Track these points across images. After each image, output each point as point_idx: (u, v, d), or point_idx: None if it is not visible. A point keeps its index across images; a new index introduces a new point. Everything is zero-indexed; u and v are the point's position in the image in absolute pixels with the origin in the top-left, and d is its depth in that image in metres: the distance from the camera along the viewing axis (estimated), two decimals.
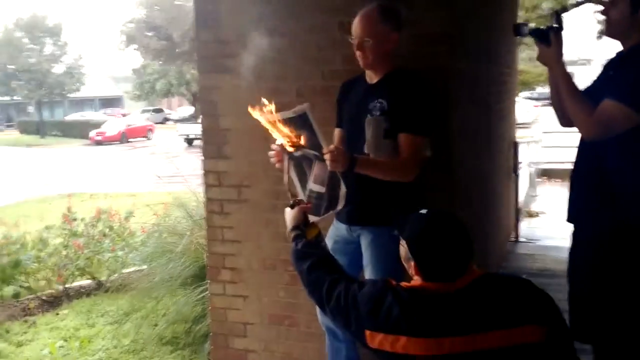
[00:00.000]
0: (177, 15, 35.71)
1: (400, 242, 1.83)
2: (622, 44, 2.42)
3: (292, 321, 3.43)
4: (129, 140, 33.73)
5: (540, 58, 2.53)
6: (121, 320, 4.93)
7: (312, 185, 2.56)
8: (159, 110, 49.24)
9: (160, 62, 40.80)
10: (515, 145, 6.49)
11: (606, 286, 2.41)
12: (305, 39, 3.20)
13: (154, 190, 12.39)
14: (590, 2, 10.85)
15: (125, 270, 6.16)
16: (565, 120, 2.61)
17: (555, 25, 2.47)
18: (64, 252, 5.98)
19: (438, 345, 1.64)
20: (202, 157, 3.56)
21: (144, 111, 46.36)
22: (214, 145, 3.49)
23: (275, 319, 3.47)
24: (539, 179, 10.60)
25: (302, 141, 2.30)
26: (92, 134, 33.80)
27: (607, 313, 2.42)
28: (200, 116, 3.62)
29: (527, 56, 14.22)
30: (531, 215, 8.09)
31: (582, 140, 2.52)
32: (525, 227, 6.92)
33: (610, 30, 2.44)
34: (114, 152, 28.06)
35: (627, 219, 2.34)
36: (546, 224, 7.65)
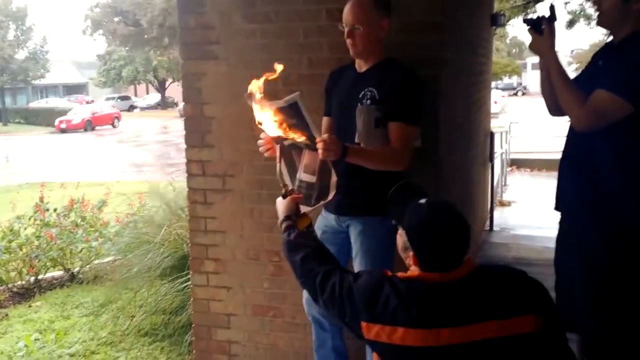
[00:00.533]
0: (144, 0, 35.08)
1: (399, 231, 1.81)
2: (613, 34, 2.44)
3: (276, 312, 3.40)
4: (95, 128, 33.12)
5: (533, 47, 2.54)
6: (97, 311, 4.83)
7: (303, 175, 2.53)
8: (126, 98, 48.55)
9: (127, 49, 40.10)
10: (491, 135, 6.55)
11: (595, 275, 2.43)
12: (291, 26, 3.15)
13: (122, 179, 12.24)
14: None
15: (98, 261, 6.06)
16: (555, 110, 2.62)
17: (548, 15, 2.48)
18: (36, 243, 5.83)
19: (435, 336, 1.63)
20: (185, 146, 3.49)
21: (109, 98, 45.60)
22: (197, 134, 3.43)
23: (260, 310, 3.44)
24: (508, 169, 10.74)
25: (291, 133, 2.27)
26: (57, 121, 33.07)
27: (595, 301, 2.45)
28: (183, 104, 3.54)
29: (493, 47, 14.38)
30: (503, 204, 8.19)
31: (571, 129, 2.53)
32: (499, 216, 7.00)
33: (602, 20, 2.46)
34: (79, 140, 27.52)
35: (617, 208, 2.36)
36: (518, 213, 7.76)
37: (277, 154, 2.38)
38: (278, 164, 2.37)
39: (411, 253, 1.74)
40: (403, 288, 1.69)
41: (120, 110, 38.26)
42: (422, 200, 1.77)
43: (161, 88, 48.15)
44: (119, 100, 45.95)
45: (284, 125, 2.26)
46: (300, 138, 2.32)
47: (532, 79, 52.09)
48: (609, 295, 2.42)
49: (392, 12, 2.61)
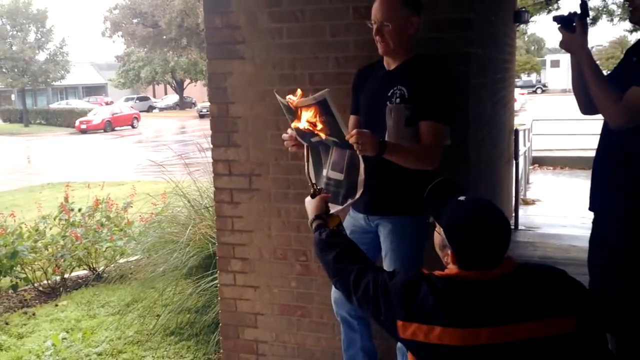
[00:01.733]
0: (163, 1, 35.33)
1: (437, 229, 1.78)
2: None
3: (304, 311, 3.39)
4: (115, 128, 33.41)
5: (564, 45, 2.49)
6: (123, 311, 4.86)
7: (330, 173, 2.52)
8: (144, 98, 48.97)
9: (146, 50, 40.42)
10: (516, 132, 6.49)
11: (631, 275, 2.39)
12: (318, 24, 3.13)
13: (143, 179, 12.32)
14: None
15: (123, 260, 6.09)
16: (588, 108, 2.57)
17: (579, 11, 2.43)
18: (62, 243, 5.87)
19: (474, 336, 1.60)
20: (211, 146, 3.49)
21: (128, 99, 45.99)
22: (223, 133, 3.43)
23: (287, 310, 3.43)
24: (530, 167, 10.64)
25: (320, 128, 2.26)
26: (77, 122, 33.42)
27: (631, 302, 2.41)
28: (200, 104, 3.54)
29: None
30: (527, 202, 8.10)
31: (605, 128, 2.49)
32: (523, 215, 6.92)
33: (635, 16, 2.41)
34: (100, 141, 27.79)
35: None
36: (543, 212, 7.67)
37: (305, 153, 2.37)
38: (306, 164, 2.37)
39: (449, 251, 1.71)
40: (441, 286, 1.66)
41: (139, 111, 38.53)
42: (462, 198, 1.74)
43: (179, 88, 48.50)
44: (137, 101, 46.32)
45: (313, 122, 2.25)
46: (329, 134, 2.31)
47: (551, 76, 51.60)
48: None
49: (421, 10, 2.59)
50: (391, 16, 2.51)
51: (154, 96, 53.59)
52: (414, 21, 2.56)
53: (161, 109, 48.26)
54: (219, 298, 3.60)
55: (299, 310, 3.40)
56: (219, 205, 3.51)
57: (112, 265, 6.16)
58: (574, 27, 2.42)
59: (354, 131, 2.29)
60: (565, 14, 2.47)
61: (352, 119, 2.80)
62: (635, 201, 2.36)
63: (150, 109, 47.17)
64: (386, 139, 2.52)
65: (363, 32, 2.67)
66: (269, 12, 3.22)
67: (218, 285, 3.62)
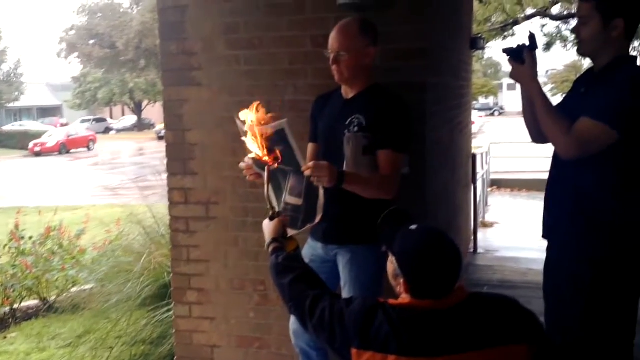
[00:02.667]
0: (120, 22, 35.06)
1: (389, 258, 1.77)
2: (594, 61, 2.44)
3: (262, 343, 3.33)
4: (70, 150, 32.71)
5: (514, 76, 2.52)
6: (75, 343, 4.68)
7: (288, 198, 2.49)
8: (101, 120, 48.15)
9: (103, 71, 39.94)
10: (473, 156, 6.57)
11: (585, 303, 2.40)
12: (276, 52, 3.12)
13: (98, 203, 12.06)
14: (540, 16, 11.21)
15: (76, 289, 5.90)
16: (539, 137, 2.60)
17: (528, 43, 2.47)
18: (11, 272, 5.66)
19: None
20: (167, 173, 3.42)
21: (84, 120, 45.14)
22: (179, 161, 3.36)
23: (245, 342, 3.36)
24: (489, 189, 10.81)
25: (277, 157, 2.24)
26: (31, 145, 32.61)
27: (585, 329, 2.42)
28: (159, 125, 3.48)
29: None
30: (486, 225, 8.21)
31: (555, 157, 2.51)
32: (482, 238, 7.00)
33: (582, 48, 2.45)
34: (54, 164, 27.14)
35: (603, 234, 2.34)
36: (501, 234, 7.78)
37: (265, 176, 2.33)
38: (266, 186, 2.33)
39: (402, 280, 1.70)
40: (395, 315, 1.65)
41: (96, 133, 37.84)
42: (413, 227, 1.74)
43: (137, 110, 47.96)
44: (94, 122, 45.47)
45: (270, 151, 2.22)
46: (286, 164, 2.29)
47: (508, 99, 52.91)
48: (599, 323, 2.38)
49: (378, 39, 2.59)
50: (347, 46, 2.51)
51: (111, 117, 52.78)
52: (370, 51, 2.56)
53: (118, 131, 47.48)
54: (174, 331, 3.50)
55: (257, 342, 3.33)
56: (174, 234, 3.43)
57: (64, 295, 5.96)
58: (523, 59, 2.45)
59: (311, 163, 2.27)
60: (515, 46, 2.50)
61: (310, 146, 2.79)
62: (586, 231, 2.38)
63: (107, 130, 46.39)
64: (344, 167, 2.50)
65: (321, 60, 2.67)
66: (225, 39, 3.19)
67: (173, 317, 3.52)
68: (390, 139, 2.51)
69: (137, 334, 4.23)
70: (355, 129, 2.53)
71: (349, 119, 2.56)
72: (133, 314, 4.32)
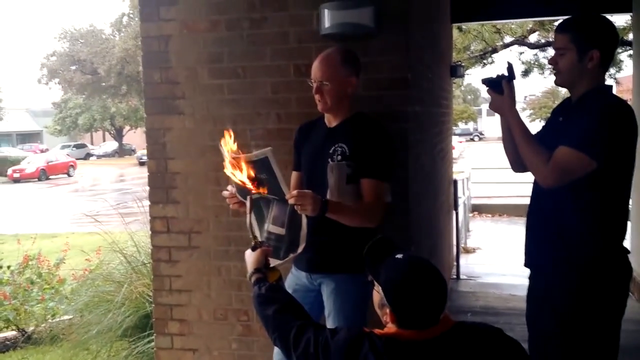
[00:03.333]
0: (102, 49, 35.05)
1: (375, 288, 1.76)
2: (570, 91, 2.48)
3: None
4: (49, 177, 32.36)
5: (492, 106, 2.55)
6: None
7: (271, 227, 2.47)
8: (82, 146, 47.81)
9: (84, 97, 39.78)
10: (455, 182, 6.61)
11: (567, 331, 2.41)
12: (259, 81, 3.13)
13: (78, 231, 11.89)
14: (518, 44, 11.42)
15: (55, 320, 5.77)
16: (519, 166, 2.62)
17: (507, 74, 2.50)
18: None
19: None
20: (149, 202, 3.39)
21: (64, 147, 44.78)
22: (161, 189, 3.34)
23: None
24: (470, 215, 10.86)
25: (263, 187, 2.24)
26: (10, 171, 32.21)
27: (568, 357, 2.42)
28: (146, 157, 3.46)
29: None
30: (468, 251, 8.22)
31: (536, 186, 2.54)
32: (464, 264, 7.01)
33: (559, 79, 2.49)
34: (33, 190, 26.80)
35: (584, 263, 2.36)
36: (483, 260, 7.80)
37: (248, 205, 2.32)
38: (248, 215, 2.31)
39: (388, 310, 1.69)
40: (380, 345, 1.64)
41: (76, 159, 37.52)
42: (399, 256, 1.73)
43: (118, 136, 47.74)
44: (74, 148, 45.14)
45: (253, 179, 2.21)
46: (269, 193, 2.28)
47: (488, 124, 53.55)
48: (582, 349, 2.39)
49: (361, 68, 2.62)
50: (330, 75, 2.53)
51: (92, 143, 52.48)
52: (353, 81, 2.59)
53: (99, 157, 47.20)
54: None
55: None
56: (156, 264, 3.39)
57: (43, 326, 5.83)
58: (502, 89, 2.48)
59: (295, 192, 2.27)
60: (494, 76, 2.54)
61: (294, 175, 2.79)
62: (568, 262, 2.39)
63: (88, 156, 46.10)
64: (328, 196, 2.50)
65: (304, 89, 2.68)
66: (209, 68, 3.20)
67: (155, 348, 3.46)
68: (373, 168, 2.52)
69: None
70: (339, 157, 2.54)
71: (332, 148, 2.56)
72: (113, 345, 4.25)
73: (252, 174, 2.22)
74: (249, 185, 2.22)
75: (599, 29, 2.37)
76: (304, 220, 2.39)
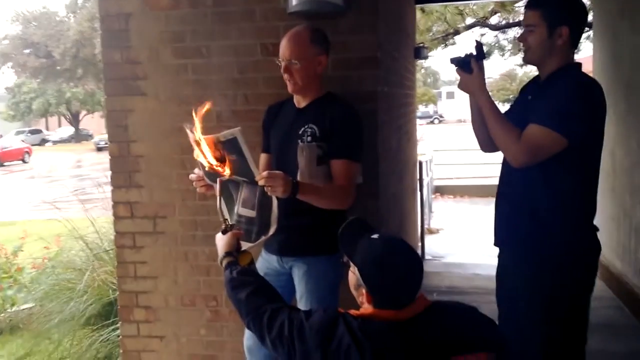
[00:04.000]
0: (56, 31, 34.10)
1: (351, 269, 1.74)
2: (539, 69, 2.47)
3: None
4: (4, 163, 31.46)
5: (462, 85, 2.53)
6: None
7: (241, 210, 2.42)
8: (37, 131, 46.54)
9: (39, 81, 38.70)
10: (420, 164, 6.64)
11: (537, 307, 2.43)
12: (225, 61, 3.04)
13: (35, 218, 11.58)
14: (480, 25, 11.50)
15: (14, 309, 5.61)
16: (488, 146, 2.62)
17: (475, 53, 2.48)
18: None
19: None
20: (111, 187, 3.28)
21: (18, 132, 43.55)
22: (124, 173, 3.23)
23: None
24: (433, 196, 10.97)
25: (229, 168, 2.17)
26: None
27: (540, 334, 2.44)
28: (104, 142, 3.35)
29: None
30: (432, 232, 8.30)
31: (504, 165, 2.54)
32: (428, 245, 7.07)
33: (528, 56, 2.48)
34: None
35: (552, 240, 2.37)
36: (447, 240, 7.88)
37: (217, 188, 2.26)
38: (218, 199, 2.25)
39: (364, 290, 1.67)
40: (356, 326, 1.62)
41: (32, 145, 36.54)
42: (375, 236, 1.72)
43: (75, 121, 46.65)
44: (29, 134, 43.88)
45: (222, 160, 2.15)
46: (238, 174, 2.22)
47: (447, 107, 54.13)
48: (553, 327, 2.41)
49: (329, 48, 2.57)
50: (299, 54, 2.47)
51: (47, 129, 51.10)
52: (322, 60, 2.54)
53: (55, 142, 45.96)
54: (121, 351, 3.36)
55: None
56: (120, 250, 3.29)
57: (2, 316, 5.65)
58: (471, 69, 2.47)
59: (264, 173, 2.21)
60: (462, 55, 2.51)
61: (263, 157, 2.73)
62: (538, 240, 2.40)
63: (44, 142, 44.86)
64: (298, 177, 2.46)
65: (272, 69, 2.62)
66: (172, 48, 3.10)
67: (120, 336, 3.37)
68: (344, 149, 2.48)
69: (81, 354, 4.05)
70: (309, 138, 2.50)
71: (302, 129, 2.52)
72: (76, 334, 4.15)
73: (221, 155, 2.16)
74: (218, 167, 2.16)
75: (569, 5, 2.37)
76: (275, 202, 2.34)
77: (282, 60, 2.50)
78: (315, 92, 2.57)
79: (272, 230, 2.38)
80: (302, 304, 2.56)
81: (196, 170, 2.48)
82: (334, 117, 2.49)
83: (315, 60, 2.51)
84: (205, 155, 2.15)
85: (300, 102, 2.61)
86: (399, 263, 1.66)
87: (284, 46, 2.50)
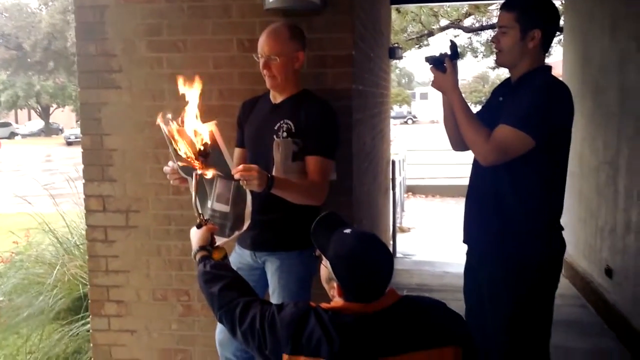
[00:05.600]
0: (28, 23, 33.47)
1: (323, 262, 1.76)
2: (511, 71, 2.53)
3: (185, 355, 3.23)
4: None
5: (435, 84, 2.58)
6: None
7: (215, 205, 2.42)
8: (6, 124, 45.67)
9: (8, 73, 37.92)
10: (393, 163, 6.69)
11: (503, 305, 2.48)
12: (200, 55, 3.04)
13: (3, 212, 11.37)
14: (454, 27, 11.62)
15: None
16: (459, 145, 2.67)
17: (450, 52, 2.53)
18: None
19: None
20: (83, 180, 3.26)
21: None
22: (97, 167, 3.21)
23: (167, 354, 3.25)
24: (405, 195, 11.07)
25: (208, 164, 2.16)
26: None
27: (505, 331, 2.49)
28: (74, 136, 3.31)
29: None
30: (403, 230, 8.37)
31: (475, 165, 2.59)
32: (400, 243, 7.14)
33: (500, 58, 2.53)
34: None
35: (522, 240, 2.43)
36: (417, 239, 7.96)
37: (193, 182, 2.26)
38: (193, 193, 2.25)
39: (335, 284, 1.69)
40: (327, 319, 1.64)
41: (0, 138, 35.84)
42: (347, 230, 1.74)
43: (45, 114, 45.85)
44: None
45: (196, 155, 2.14)
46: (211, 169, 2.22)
47: (421, 108, 54.52)
48: (518, 323, 2.46)
49: (306, 45, 2.59)
50: (279, 50, 2.49)
51: (16, 122, 50.18)
52: (300, 56, 2.56)
53: (24, 136, 45.15)
54: (92, 345, 3.33)
55: (180, 354, 3.23)
56: (91, 244, 3.27)
57: None
58: (444, 68, 2.51)
59: (241, 166, 2.21)
60: (437, 54, 2.56)
61: (237, 151, 2.74)
62: (503, 237, 2.45)
63: (12, 135, 44.02)
64: (273, 173, 2.47)
65: (247, 64, 2.63)
66: (147, 41, 3.09)
67: (90, 330, 3.35)
68: (319, 145, 2.50)
69: (50, 349, 4.01)
70: (284, 134, 2.51)
71: (278, 124, 2.53)
72: (45, 328, 4.10)
73: (200, 149, 2.15)
74: (195, 161, 2.15)
75: (543, 9, 2.42)
76: (249, 197, 2.35)
77: (261, 56, 2.52)
78: (292, 88, 2.59)
79: (245, 226, 2.38)
80: (274, 299, 2.58)
81: (170, 163, 2.47)
82: (310, 114, 2.51)
83: (294, 56, 2.53)
84: (180, 148, 2.13)
85: (276, 97, 2.62)
86: (370, 257, 1.68)
87: (263, 42, 2.52)
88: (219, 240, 2.23)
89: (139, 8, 3.08)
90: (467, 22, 11.64)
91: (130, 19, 3.09)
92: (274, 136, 2.52)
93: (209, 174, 2.12)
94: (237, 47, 2.99)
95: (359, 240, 1.72)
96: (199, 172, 2.13)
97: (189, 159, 2.10)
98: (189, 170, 2.28)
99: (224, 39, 3.01)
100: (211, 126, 2.19)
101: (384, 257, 1.72)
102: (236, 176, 2.20)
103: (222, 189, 2.40)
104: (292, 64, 2.53)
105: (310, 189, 2.49)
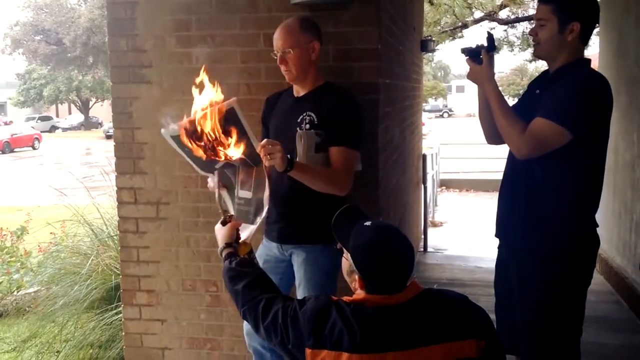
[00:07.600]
0: (67, 18, 34.19)
1: (344, 255, 1.78)
2: (549, 63, 2.49)
3: (213, 345, 3.28)
4: (14, 150, 31.65)
5: (471, 76, 2.56)
6: (19, 347, 4.53)
7: (240, 192, 2.44)
8: (47, 118, 46.80)
9: (49, 68, 38.83)
10: (424, 157, 6.66)
11: (533, 298, 2.46)
12: (229, 50, 3.08)
13: (43, 204, 11.68)
14: (488, 19, 11.44)
15: (21, 292, 5.70)
16: (494, 138, 2.64)
17: (486, 44, 2.51)
18: None
19: None
20: (115, 173, 3.34)
21: (29, 119, 43.77)
22: (128, 160, 3.28)
23: (196, 343, 3.31)
24: (438, 189, 10.98)
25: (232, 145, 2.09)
26: None
27: (534, 324, 2.47)
28: (112, 129, 3.38)
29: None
30: (435, 225, 8.32)
31: (510, 158, 2.56)
32: (432, 237, 7.10)
33: (538, 50, 2.50)
34: None
35: (552, 232, 2.40)
36: (450, 233, 7.91)
37: (216, 178, 2.30)
38: (217, 189, 2.28)
39: (357, 276, 1.71)
40: (348, 311, 1.66)
41: (41, 131, 36.73)
42: (368, 223, 1.75)
43: (84, 108, 46.85)
44: (39, 120, 44.14)
45: (217, 140, 2.06)
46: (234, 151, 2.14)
47: (457, 101, 53.90)
48: (548, 318, 2.44)
49: (331, 39, 2.61)
50: (291, 43, 2.51)
51: (57, 116, 51.33)
52: (315, 46, 2.57)
53: (65, 129, 46.19)
54: (124, 333, 3.42)
55: (208, 344, 3.29)
56: (123, 235, 3.35)
57: (8, 299, 5.75)
58: (480, 59, 2.49)
59: (264, 141, 2.19)
60: (473, 46, 2.54)
61: None
62: (535, 228, 2.43)
63: (53, 129, 45.10)
64: None
65: (274, 59, 2.65)
66: (177, 36, 3.14)
67: (122, 319, 3.44)
68: (342, 136, 2.51)
69: (85, 337, 4.12)
70: (307, 126, 2.53)
71: (300, 117, 2.55)
72: (80, 317, 4.21)
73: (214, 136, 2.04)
74: (218, 147, 2.09)
75: (581, 1, 2.38)
76: (267, 181, 2.35)
77: (277, 51, 2.55)
78: (312, 80, 2.60)
79: (265, 210, 2.33)
80: (300, 291, 2.60)
81: (209, 179, 2.47)
82: (332, 105, 2.53)
83: (309, 46, 2.54)
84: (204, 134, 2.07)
85: (299, 91, 2.64)
86: (389, 248, 1.69)
87: (276, 38, 2.55)
88: (247, 229, 2.25)
89: (168, 4, 3.13)
90: (502, 14, 11.47)
91: (160, 15, 3.15)
92: (297, 128, 2.54)
93: (236, 155, 2.07)
94: (263, 41, 3.02)
95: (378, 231, 1.73)
96: (224, 158, 2.09)
97: (210, 148, 2.04)
98: (209, 167, 2.30)
99: (252, 33, 3.04)
100: (232, 103, 2.16)
101: (404, 248, 1.72)
102: (261, 152, 2.17)
103: (244, 176, 2.40)
104: (307, 54, 2.54)
105: (331, 176, 2.48)
